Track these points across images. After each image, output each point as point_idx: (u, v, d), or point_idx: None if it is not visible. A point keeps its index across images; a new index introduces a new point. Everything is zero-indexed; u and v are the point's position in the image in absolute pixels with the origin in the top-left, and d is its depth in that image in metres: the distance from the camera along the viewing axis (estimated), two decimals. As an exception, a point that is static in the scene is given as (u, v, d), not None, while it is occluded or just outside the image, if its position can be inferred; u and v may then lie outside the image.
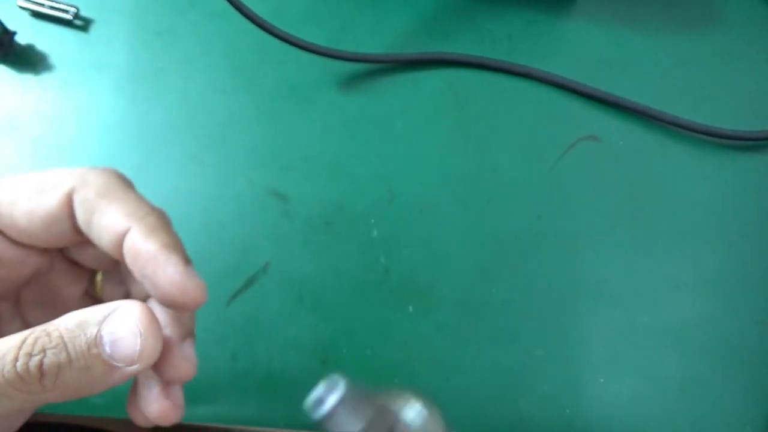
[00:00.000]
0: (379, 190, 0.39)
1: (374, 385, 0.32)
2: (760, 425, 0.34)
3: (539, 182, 0.39)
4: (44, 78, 0.43)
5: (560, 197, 0.39)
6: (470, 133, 0.41)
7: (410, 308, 0.36)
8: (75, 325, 0.20)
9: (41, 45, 0.43)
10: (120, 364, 0.20)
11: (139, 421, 0.24)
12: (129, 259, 0.22)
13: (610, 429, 0.34)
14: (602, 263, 0.37)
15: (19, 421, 0.23)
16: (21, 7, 0.43)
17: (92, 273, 0.27)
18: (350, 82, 0.42)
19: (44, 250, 0.25)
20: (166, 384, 0.24)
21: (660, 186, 0.39)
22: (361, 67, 0.42)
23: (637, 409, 0.34)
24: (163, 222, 0.23)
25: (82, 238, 0.24)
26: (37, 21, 0.44)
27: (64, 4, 0.44)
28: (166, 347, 0.23)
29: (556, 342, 0.36)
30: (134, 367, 0.20)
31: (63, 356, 0.19)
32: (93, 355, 0.20)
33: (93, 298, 0.27)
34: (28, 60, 0.43)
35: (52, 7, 0.43)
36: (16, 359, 0.19)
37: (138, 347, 0.20)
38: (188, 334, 0.24)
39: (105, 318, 0.20)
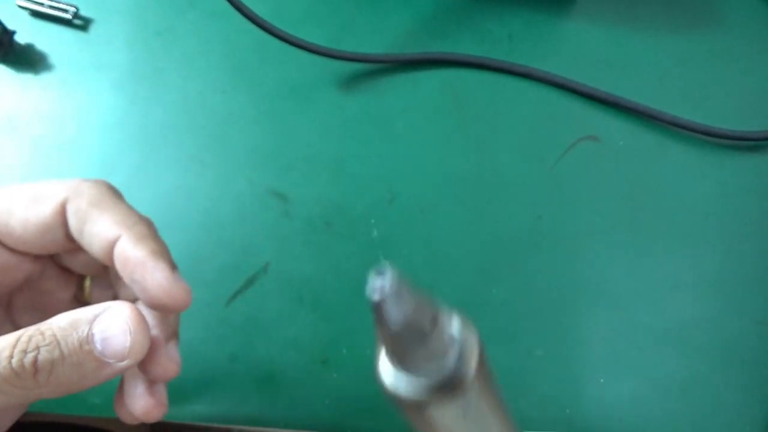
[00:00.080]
0: (379, 190, 0.39)
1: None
2: (760, 425, 0.34)
3: (539, 182, 0.39)
4: (43, 77, 0.43)
5: (560, 197, 0.39)
6: (470, 133, 0.41)
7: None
8: (67, 323, 0.21)
9: (41, 44, 0.43)
10: (111, 360, 0.22)
11: (125, 418, 0.26)
12: (119, 265, 0.24)
13: (610, 429, 0.34)
14: (602, 263, 0.37)
15: (10, 420, 0.24)
16: (20, 7, 0.43)
17: (81, 278, 0.29)
18: (350, 82, 0.42)
19: (37, 257, 0.26)
20: (151, 383, 0.26)
21: (660, 186, 0.39)
22: (361, 67, 0.42)
23: (637, 409, 0.34)
24: (150, 230, 0.25)
25: (73, 245, 0.25)
26: (37, 20, 0.44)
27: (63, 3, 0.44)
28: (153, 347, 0.24)
29: (556, 342, 0.36)
30: (124, 363, 0.22)
31: (56, 353, 0.21)
32: (85, 352, 0.21)
33: (81, 302, 0.29)
34: (27, 59, 0.43)
35: (51, 7, 0.43)
36: (12, 356, 0.20)
37: (128, 344, 0.22)
38: (173, 335, 0.26)
39: (96, 317, 0.22)
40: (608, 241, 0.38)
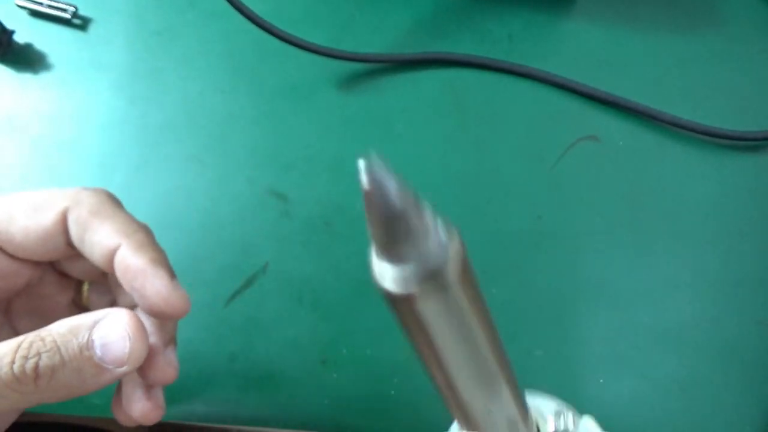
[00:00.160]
0: (378, 189, 0.39)
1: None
2: (759, 425, 0.34)
3: (539, 182, 0.39)
4: (43, 77, 0.43)
5: (560, 197, 0.39)
6: (470, 133, 0.41)
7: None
8: (67, 330, 0.22)
9: (40, 44, 0.43)
10: (110, 366, 0.22)
11: (123, 420, 0.26)
12: (119, 273, 0.24)
13: (610, 429, 0.34)
14: (602, 263, 0.37)
15: (7, 422, 0.24)
16: (19, 6, 0.43)
17: (79, 283, 0.29)
18: (350, 81, 0.42)
19: (37, 263, 0.27)
20: (149, 387, 0.26)
21: (660, 186, 0.39)
22: (361, 66, 0.42)
23: (637, 409, 0.34)
24: (149, 238, 0.25)
25: (73, 252, 0.26)
26: (36, 20, 0.44)
27: (62, 3, 0.44)
28: (151, 352, 0.24)
29: (555, 342, 0.36)
30: (123, 369, 0.22)
31: (57, 359, 0.21)
32: (85, 358, 0.22)
33: (79, 306, 0.29)
34: (26, 59, 0.43)
35: (50, 6, 0.43)
36: (13, 362, 0.21)
37: (127, 350, 0.22)
38: (171, 340, 0.26)
39: (96, 323, 0.22)
40: (608, 241, 0.38)
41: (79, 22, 0.44)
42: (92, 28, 0.44)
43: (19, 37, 0.43)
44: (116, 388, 0.27)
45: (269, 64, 0.43)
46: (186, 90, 0.42)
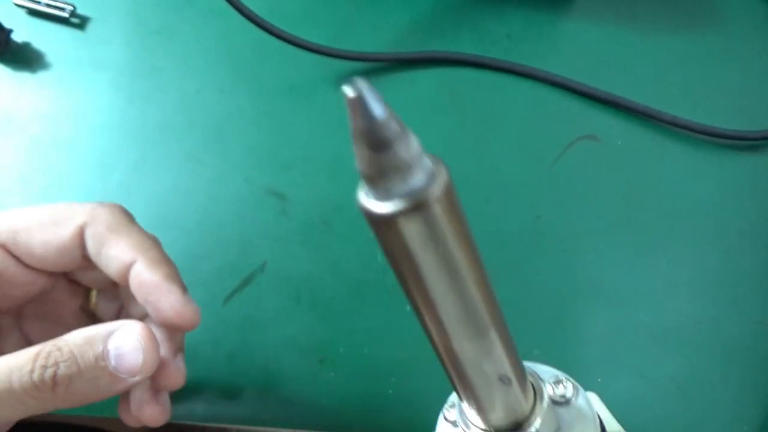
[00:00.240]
0: (377, 189, 0.39)
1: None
2: (757, 425, 0.34)
3: (538, 181, 0.39)
4: (41, 76, 0.43)
5: (559, 197, 0.39)
6: (469, 132, 0.41)
7: (408, 307, 0.36)
8: (84, 340, 0.23)
9: (38, 43, 0.43)
10: (124, 376, 0.23)
11: (130, 422, 0.28)
12: (134, 286, 0.26)
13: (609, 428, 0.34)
14: (601, 263, 0.37)
15: (6, 425, 0.25)
16: (17, 5, 0.43)
17: (88, 290, 0.31)
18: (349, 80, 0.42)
19: (52, 273, 0.28)
20: (156, 391, 0.28)
21: (659, 186, 0.39)
22: (360, 65, 0.42)
23: (635, 409, 0.34)
24: (163, 254, 0.27)
25: (88, 264, 0.27)
26: (34, 19, 0.44)
27: (60, 1, 0.43)
28: (162, 361, 0.26)
29: (554, 341, 0.35)
30: (136, 378, 0.24)
31: (74, 369, 0.23)
32: (100, 368, 0.23)
33: (87, 312, 0.31)
34: (24, 58, 0.43)
35: (48, 5, 0.43)
36: (33, 371, 0.22)
37: (140, 360, 0.24)
38: (179, 349, 0.28)
39: (110, 334, 0.24)
40: (607, 241, 0.38)
41: (77, 21, 0.44)
42: (90, 27, 0.44)
43: (17, 36, 0.43)
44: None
45: (268, 63, 0.43)
46: (184, 89, 0.42)
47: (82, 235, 0.27)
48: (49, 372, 0.22)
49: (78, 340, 0.23)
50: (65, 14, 0.43)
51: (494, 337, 0.17)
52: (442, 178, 0.13)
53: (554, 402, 0.21)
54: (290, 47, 0.41)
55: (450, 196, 0.14)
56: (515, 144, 0.40)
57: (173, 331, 0.27)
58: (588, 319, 0.36)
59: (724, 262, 0.37)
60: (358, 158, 0.13)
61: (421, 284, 0.15)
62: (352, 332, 0.36)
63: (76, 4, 0.44)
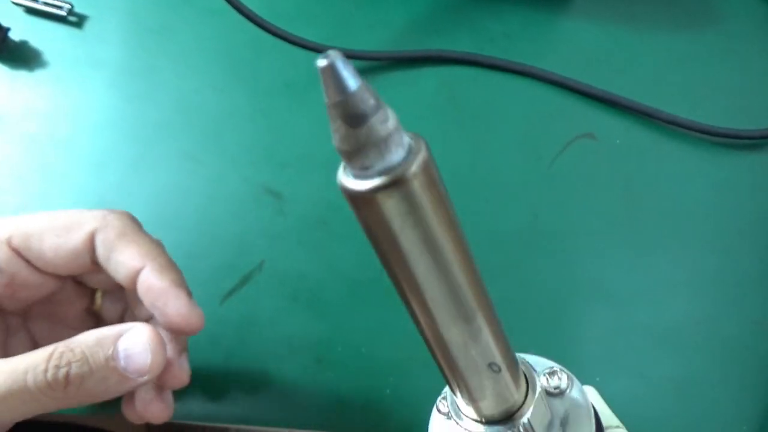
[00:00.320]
0: (374, 188, 0.39)
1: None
2: (756, 425, 0.34)
3: (536, 180, 0.39)
4: (38, 74, 0.43)
5: (557, 195, 0.39)
6: (467, 131, 0.41)
7: (406, 307, 0.36)
8: (95, 342, 0.24)
9: (35, 41, 0.43)
10: (133, 376, 0.25)
11: (134, 419, 0.29)
12: (142, 291, 0.27)
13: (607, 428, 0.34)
14: (599, 262, 0.37)
15: (7, 425, 0.26)
16: (15, 3, 0.43)
17: (93, 291, 0.32)
18: (346, 79, 0.42)
19: (61, 276, 0.29)
20: (160, 389, 0.29)
21: (657, 184, 0.39)
22: (357, 64, 0.42)
23: (633, 408, 0.34)
24: (170, 261, 0.28)
25: (96, 268, 0.29)
26: (31, 17, 0.44)
27: (58, 0, 0.43)
28: (168, 362, 0.27)
29: (551, 341, 0.35)
30: (144, 378, 0.25)
31: (85, 368, 0.24)
32: (110, 368, 0.24)
33: (92, 313, 0.32)
34: (21, 56, 0.43)
35: (46, 3, 0.43)
36: (46, 370, 0.24)
37: (148, 361, 0.25)
38: (184, 349, 0.30)
39: (120, 336, 0.25)
40: (605, 240, 0.38)
41: (74, 20, 0.44)
42: (88, 25, 0.44)
43: (15, 35, 0.43)
44: None
45: (265, 62, 0.42)
46: (181, 88, 0.42)
47: (93, 240, 0.28)
48: (62, 371, 0.24)
49: (89, 341, 0.24)
50: (63, 12, 0.43)
51: (481, 322, 0.17)
52: (420, 154, 0.13)
53: (548, 393, 0.21)
54: (288, 45, 0.41)
55: (429, 172, 0.13)
56: (513, 143, 0.40)
57: (178, 334, 0.29)
58: (586, 319, 0.36)
59: (723, 261, 0.37)
60: (333, 133, 0.13)
61: (403, 265, 0.15)
62: (350, 331, 0.36)
63: (73, 3, 0.44)
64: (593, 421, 0.21)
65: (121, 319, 0.32)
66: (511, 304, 0.36)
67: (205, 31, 0.44)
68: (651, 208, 0.39)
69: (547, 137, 0.40)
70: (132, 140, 0.41)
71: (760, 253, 0.37)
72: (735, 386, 0.35)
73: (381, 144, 0.13)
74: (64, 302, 0.31)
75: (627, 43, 0.43)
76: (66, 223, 0.28)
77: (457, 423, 0.20)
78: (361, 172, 0.13)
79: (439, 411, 0.22)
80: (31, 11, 0.44)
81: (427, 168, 0.13)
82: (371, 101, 0.13)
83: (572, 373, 0.22)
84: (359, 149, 0.13)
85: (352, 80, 0.12)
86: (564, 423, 0.20)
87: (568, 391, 0.21)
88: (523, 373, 0.20)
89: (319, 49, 0.41)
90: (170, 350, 0.28)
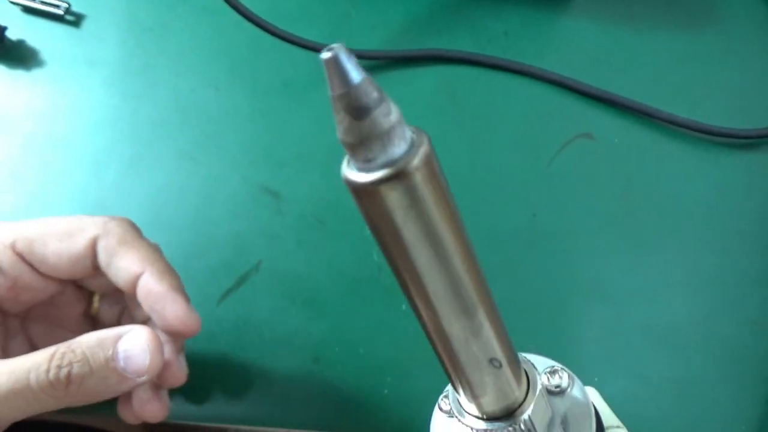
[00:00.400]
0: (372, 187, 0.39)
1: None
2: (754, 424, 0.34)
3: (534, 180, 0.39)
4: (35, 73, 0.42)
5: (555, 195, 0.39)
6: (466, 130, 0.41)
7: (403, 306, 0.36)
8: (95, 343, 0.25)
9: (32, 40, 0.43)
10: (132, 376, 0.26)
11: (130, 419, 0.30)
12: (141, 295, 0.29)
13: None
14: (597, 261, 0.37)
15: (5, 424, 0.26)
16: (12, 2, 0.43)
17: (91, 294, 0.33)
18: (344, 78, 0.42)
19: (62, 280, 0.30)
20: (156, 388, 0.30)
21: (655, 184, 0.39)
22: (356, 63, 0.42)
23: (631, 408, 0.34)
24: (168, 266, 0.29)
25: (97, 273, 0.30)
26: (28, 16, 0.44)
27: (55, -1, 0.43)
28: (166, 361, 0.28)
29: (549, 340, 0.35)
30: (143, 378, 0.26)
31: (86, 368, 0.25)
32: (110, 368, 0.25)
33: (89, 316, 0.33)
34: (19, 55, 0.43)
35: (43, 2, 0.43)
36: (48, 370, 0.24)
37: (147, 362, 0.26)
38: (180, 349, 0.31)
39: (119, 338, 0.26)
40: (603, 240, 0.38)
41: (71, 19, 0.44)
42: (85, 24, 0.44)
43: (12, 34, 0.43)
44: None
45: (263, 61, 0.42)
46: (179, 87, 0.42)
47: (94, 246, 0.29)
48: (64, 371, 0.24)
49: (90, 342, 0.25)
50: (60, 11, 0.43)
51: (482, 317, 0.17)
52: (423, 147, 0.13)
53: (549, 392, 0.21)
54: (285, 45, 0.41)
55: (431, 165, 0.14)
56: (512, 142, 0.40)
57: (176, 336, 0.30)
58: (584, 318, 0.36)
59: (721, 260, 0.37)
60: (337, 125, 0.13)
61: (406, 257, 0.15)
62: (348, 331, 0.36)
63: (70, 2, 0.44)
64: (593, 420, 0.21)
65: (118, 322, 0.33)
66: (510, 304, 0.36)
67: (202, 30, 0.43)
68: (649, 207, 0.38)
69: (546, 136, 0.40)
70: (130, 139, 0.41)
71: (758, 253, 0.37)
72: (733, 386, 0.35)
73: (384, 136, 0.13)
74: (63, 305, 0.32)
75: (626, 42, 0.43)
76: (68, 229, 0.29)
77: (459, 420, 0.20)
78: (365, 165, 0.13)
79: (440, 409, 0.22)
80: (28, 10, 0.44)
81: (429, 161, 0.14)
82: (374, 94, 0.13)
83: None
84: (362, 141, 0.13)
85: (355, 72, 0.13)
86: (564, 422, 0.21)
87: (569, 390, 0.21)
88: (524, 370, 0.20)
89: (318, 49, 0.41)
90: (168, 351, 0.29)
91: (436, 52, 0.42)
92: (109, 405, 0.30)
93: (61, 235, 0.29)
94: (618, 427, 0.28)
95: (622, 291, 0.36)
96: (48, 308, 0.31)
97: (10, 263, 0.28)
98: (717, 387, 0.34)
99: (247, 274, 0.37)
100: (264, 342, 0.36)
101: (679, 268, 0.37)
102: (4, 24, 0.42)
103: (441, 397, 0.22)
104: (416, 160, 0.13)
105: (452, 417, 0.20)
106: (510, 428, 0.19)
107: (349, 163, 0.14)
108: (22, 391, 0.24)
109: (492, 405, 0.19)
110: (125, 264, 0.29)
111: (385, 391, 0.34)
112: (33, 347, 0.30)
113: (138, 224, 0.32)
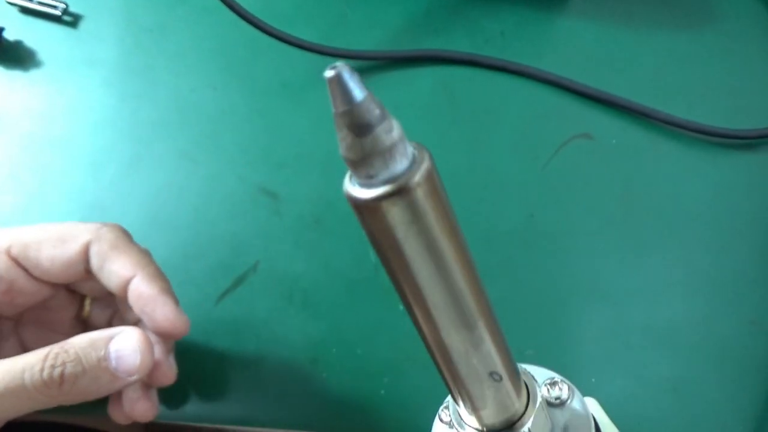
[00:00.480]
0: (370, 188, 0.39)
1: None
2: (752, 425, 0.34)
3: (532, 180, 0.39)
4: (33, 74, 0.42)
5: (553, 195, 0.39)
6: (463, 131, 0.41)
7: (401, 306, 0.36)
8: (88, 343, 0.26)
9: (30, 41, 0.43)
10: (123, 375, 0.27)
11: (120, 419, 0.31)
12: (132, 298, 0.29)
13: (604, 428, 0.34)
14: (595, 262, 0.37)
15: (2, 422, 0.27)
16: (9, 3, 0.43)
17: (82, 298, 0.33)
18: (342, 79, 0.42)
19: (55, 284, 0.31)
20: (146, 388, 0.31)
21: (653, 184, 0.39)
22: (353, 64, 0.42)
23: (629, 409, 0.34)
24: (158, 270, 0.30)
25: (89, 277, 0.31)
26: (26, 17, 0.44)
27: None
28: (156, 361, 0.29)
29: (547, 341, 0.35)
30: (133, 378, 0.27)
31: (79, 368, 0.26)
32: (102, 368, 0.26)
33: (80, 319, 0.33)
34: (16, 56, 0.43)
35: (40, 3, 0.43)
36: (42, 369, 0.25)
37: (138, 362, 0.27)
38: (170, 350, 0.32)
39: (111, 339, 0.27)
40: (601, 240, 0.38)
41: (69, 19, 0.44)
42: (83, 24, 0.44)
43: (9, 34, 0.43)
44: None
45: (261, 61, 0.42)
46: (177, 87, 0.42)
47: (87, 251, 0.30)
48: (57, 371, 0.25)
49: (83, 343, 0.26)
50: (57, 12, 0.43)
51: (483, 330, 0.17)
52: (424, 164, 0.14)
53: (549, 404, 0.21)
54: (283, 45, 0.41)
55: (433, 181, 0.14)
56: (509, 142, 0.40)
57: (165, 337, 0.30)
58: (582, 319, 0.36)
59: (718, 261, 0.37)
60: (340, 142, 0.14)
61: (407, 271, 0.15)
62: (345, 332, 0.36)
63: (68, 2, 0.43)
64: (593, 431, 0.21)
65: (109, 325, 0.33)
66: (508, 304, 0.36)
67: (200, 30, 0.43)
68: (647, 207, 0.38)
69: (544, 137, 0.40)
70: (127, 139, 0.41)
71: (757, 253, 0.37)
72: (732, 386, 0.34)
73: (386, 153, 0.13)
74: (55, 309, 0.33)
75: (624, 42, 0.43)
76: (62, 234, 0.30)
77: None
78: (367, 181, 0.14)
79: (441, 420, 0.22)
80: (25, 11, 0.44)
81: (431, 177, 0.14)
82: (377, 111, 0.13)
83: (568, 374, 0.22)
84: (365, 158, 0.13)
85: (358, 90, 0.13)
86: None
87: (568, 401, 0.21)
88: (524, 382, 0.20)
89: (315, 49, 0.41)
90: (158, 351, 0.30)
91: (433, 53, 0.42)
92: (101, 404, 0.30)
93: (54, 240, 0.30)
94: None
95: (620, 291, 0.36)
96: (40, 312, 0.32)
97: (5, 268, 0.29)
98: (715, 387, 0.34)
99: (245, 275, 0.37)
100: (261, 342, 0.36)
101: (678, 269, 0.37)
102: (1, 25, 0.42)
103: (441, 408, 0.22)
104: (418, 177, 0.13)
105: (452, 428, 0.21)
106: None
107: (351, 179, 0.14)
108: (16, 390, 0.25)
109: (492, 417, 0.19)
110: (117, 268, 0.30)
111: (383, 392, 0.34)
112: (25, 350, 0.30)
113: (136, 224, 0.32)
